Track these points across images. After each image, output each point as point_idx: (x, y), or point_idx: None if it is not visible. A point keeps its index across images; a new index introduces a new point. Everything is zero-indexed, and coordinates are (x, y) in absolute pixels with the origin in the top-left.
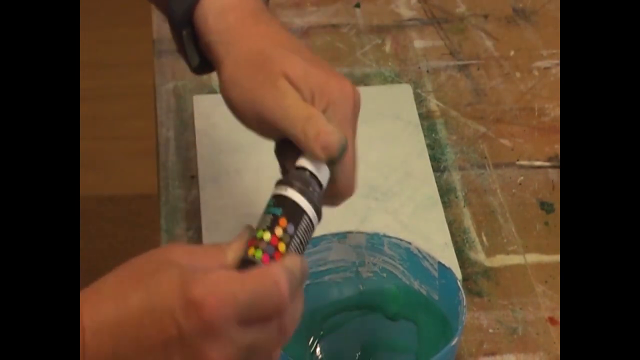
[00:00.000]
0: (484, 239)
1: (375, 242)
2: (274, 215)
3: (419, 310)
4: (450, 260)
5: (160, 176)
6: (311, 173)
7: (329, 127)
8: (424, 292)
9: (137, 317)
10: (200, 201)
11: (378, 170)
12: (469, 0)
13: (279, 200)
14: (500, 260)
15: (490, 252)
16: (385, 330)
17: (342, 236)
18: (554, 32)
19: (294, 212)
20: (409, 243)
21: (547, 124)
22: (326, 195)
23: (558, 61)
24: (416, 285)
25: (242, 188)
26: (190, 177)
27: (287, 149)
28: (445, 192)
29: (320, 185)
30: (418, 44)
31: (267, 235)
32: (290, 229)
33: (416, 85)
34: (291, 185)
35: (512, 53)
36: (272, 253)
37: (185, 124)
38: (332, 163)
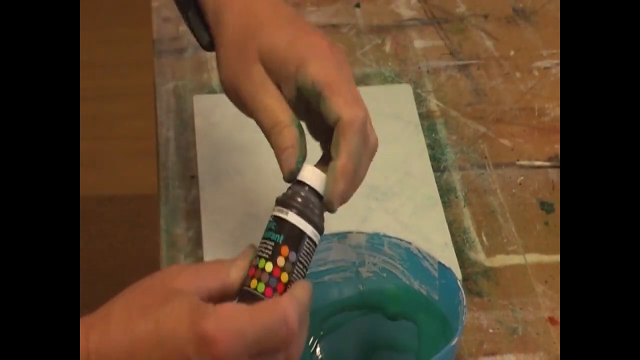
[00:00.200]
0: (484, 239)
1: (375, 242)
2: (275, 242)
3: (419, 310)
4: (450, 260)
5: (160, 176)
6: (310, 187)
7: (287, 142)
8: (424, 292)
9: (147, 349)
10: (200, 201)
11: (378, 170)
12: (469, 0)
13: (279, 225)
14: (500, 260)
15: (490, 252)
16: (385, 330)
17: (342, 236)
18: (554, 32)
19: (294, 238)
20: (409, 243)
21: (547, 124)
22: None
23: (558, 61)
24: (416, 285)
25: (242, 188)
26: (190, 177)
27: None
28: (445, 192)
29: (320, 197)
30: (418, 44)
31: (269, 267)
32: (292, 256)
33: (416, 85)
34: (290, 208)
35: (512, 53)
36: (275, 285)
37: (185, 124)
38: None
